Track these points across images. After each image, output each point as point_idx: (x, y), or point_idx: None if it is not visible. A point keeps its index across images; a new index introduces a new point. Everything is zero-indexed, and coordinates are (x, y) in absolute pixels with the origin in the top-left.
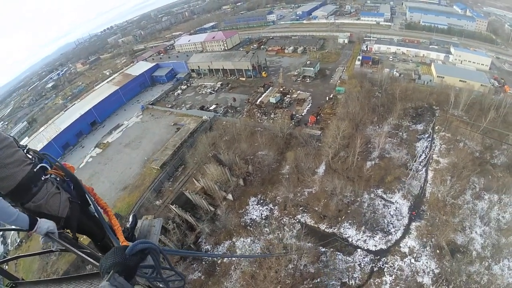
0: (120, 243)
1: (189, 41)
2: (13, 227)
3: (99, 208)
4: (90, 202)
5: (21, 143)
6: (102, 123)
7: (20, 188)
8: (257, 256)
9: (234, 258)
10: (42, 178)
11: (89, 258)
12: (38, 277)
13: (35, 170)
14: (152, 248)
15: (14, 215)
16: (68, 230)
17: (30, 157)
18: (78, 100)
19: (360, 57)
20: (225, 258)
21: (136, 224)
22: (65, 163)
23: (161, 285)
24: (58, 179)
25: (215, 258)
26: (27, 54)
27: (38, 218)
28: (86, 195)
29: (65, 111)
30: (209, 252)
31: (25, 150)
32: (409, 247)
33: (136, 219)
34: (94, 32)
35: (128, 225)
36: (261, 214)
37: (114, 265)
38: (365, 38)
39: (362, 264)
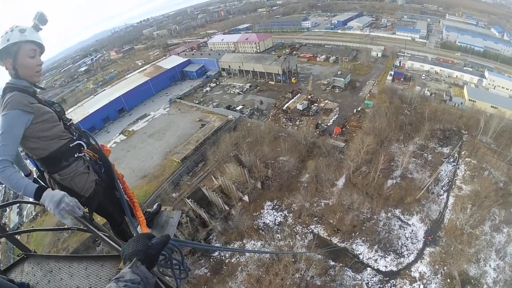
0: None
1: (222, 40)
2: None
3: (125, 196)
4: (118, 189)
5: None
6: (129, 111)
7: (50, 158)
8: (268, 252)
9: (242, 260)
10: (76, 155)
11: (110, 241)
12: (48, 251)
13: (71, 145)
14: (174, 248)
15: (22, 187)
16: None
17: (72, 132)
18: (109, 86)
19: (392, 73)
20: (233, 259)
21: (158, 212)
22: (102, 144)
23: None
24: (91, 159)
25: (223, 257)
26: (62, 38)
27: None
28: (115, 181)
29: (94, 95)
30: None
31: (68, 124)
32: (419, 273)
33: (160, 208)
34: (130, 23)
35: (149, 209)
36: (275, 220)
37: (136, 252)
38: (398, 54)
39: (369, 283)
